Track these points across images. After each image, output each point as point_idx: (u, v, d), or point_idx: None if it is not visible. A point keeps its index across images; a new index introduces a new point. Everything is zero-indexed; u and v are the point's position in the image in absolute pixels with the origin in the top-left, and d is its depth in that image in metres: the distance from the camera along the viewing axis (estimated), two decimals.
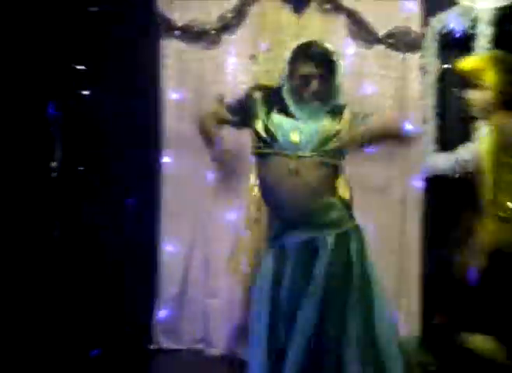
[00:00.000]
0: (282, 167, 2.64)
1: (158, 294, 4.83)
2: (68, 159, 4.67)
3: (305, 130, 2.67)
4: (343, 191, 3.41)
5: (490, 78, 3.37)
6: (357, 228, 2.80)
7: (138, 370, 4.42)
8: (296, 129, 2.67)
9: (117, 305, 4.64)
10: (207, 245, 4.79)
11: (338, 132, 2.73)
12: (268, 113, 2.74)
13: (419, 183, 4.72)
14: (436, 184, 4.67)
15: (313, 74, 2.64)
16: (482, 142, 3.48)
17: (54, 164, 4.63)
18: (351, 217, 2.83)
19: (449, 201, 4.66)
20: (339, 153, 2.78)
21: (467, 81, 3.42)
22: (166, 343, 4.80)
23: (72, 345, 4.35)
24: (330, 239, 2.65)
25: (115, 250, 4.74)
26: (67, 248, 4.62)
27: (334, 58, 2.71)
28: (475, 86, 3.39)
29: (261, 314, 2.72)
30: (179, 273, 4.81)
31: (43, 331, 4.30)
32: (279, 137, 2.68)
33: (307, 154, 2.64)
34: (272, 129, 2.69)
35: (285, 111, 2.75)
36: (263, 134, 2.72)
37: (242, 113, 2.94)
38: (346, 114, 2.80)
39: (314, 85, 2.64)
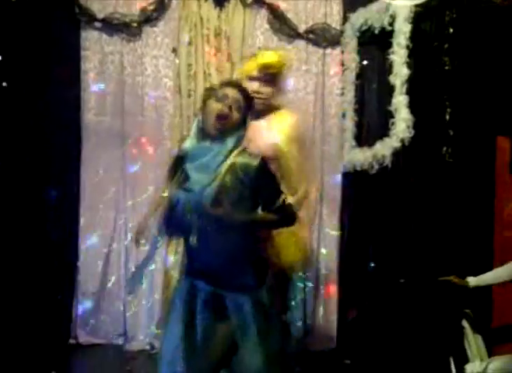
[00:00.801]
0: (188, 221, 2.64)
1: (77, 288, 4.78)
2: None
3: (195, 179, 2.61)
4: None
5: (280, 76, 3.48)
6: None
7: (57, 365, 4.35)
8: (195, 183, 2.61)
9: (36, 299, 4.59)
10: (127, 239, 4.75)
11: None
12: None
13: (337, 179, 4.77)
14: (354, 179, 4.71)
15: (221, 113, 2.61)
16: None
17: None
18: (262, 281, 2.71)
19: (367, 196, 4.73)
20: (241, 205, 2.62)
21: (260, 74, 3.40)
22: (85, 338, 4.75)
23: None
24: (245, 302, 2.64)
25: (34, 244, 4.67)
26: None
27: (243, 102, 2.67)
28: (267, 81, 3.40)
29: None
30: (99, 268, 4.77)
31: None
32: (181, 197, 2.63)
33: (206, 206, 2.55)
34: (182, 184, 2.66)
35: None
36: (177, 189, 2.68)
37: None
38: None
39: (221, 122, 2.61)
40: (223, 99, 2.60)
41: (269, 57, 3.42)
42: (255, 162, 2.57)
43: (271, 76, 3.41)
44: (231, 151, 2.59)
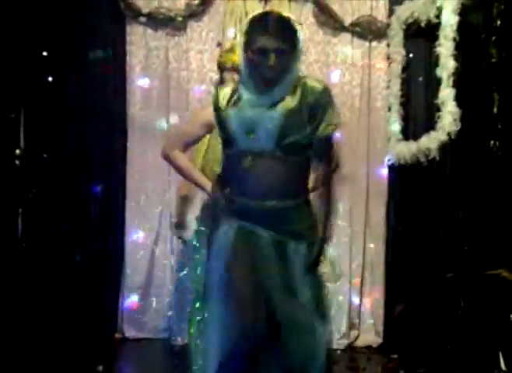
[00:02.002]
0: (241, 165, 2.39)
1: (123, 283, 4.81)
2: (32, 147, 4.63)
3: (263, 122, 2.35)
4: None
5: None
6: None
7: (103, 358, 4.36)
8: (254, 122, 2.36)
9: (83, 294, 4.61)
10: (172, 235, 4.74)
11: (300, 118, 2.37)
12: (226, 106, 2.45)
13: (383, 172, 4.75)
14: (401, 173, 4.69)
15: (272, 47, 2.29)
16: None
17: (18, 151, 4.58)
18: (313, 227, 2.51)
19: (413, 190, 4.71)
20: (304, 146, 2.42)
21: None
22: (130, 332, 4.78)
23: (38, 334, 4.32)
24: (301, 248, 2.43)
25: (80, 240, 4.71)
26: (30, 235, 4.58)
27: (294, 30, 2.35)
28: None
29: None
30: (145, 263, 4.80)
31: (6, 321, 4.26)
32: (236, 134, 2.40)
33: (268, 149, 2.36)
34: (229, 125, 2.42)
35: (242, 99, 2.43)
36: (220, 132, 2.48)
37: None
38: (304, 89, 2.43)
39: (272, 59, 2.28)
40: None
41: None
42: (321, 85, 2.42)
43: None
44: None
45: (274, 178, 2.38)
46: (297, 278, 2.40)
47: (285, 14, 2.42)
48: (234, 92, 2.47)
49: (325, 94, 2.41)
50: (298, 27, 2.38)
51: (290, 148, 2.37)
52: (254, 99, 2.39)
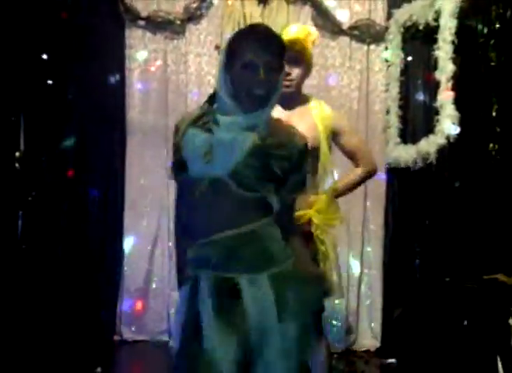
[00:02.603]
0: (192, 194, 2.09)
1: (122, 285, 4.83)
2: (32, 149, 4.65)
3: (223, 148, 2.06)
4: None
5: (308, 52, 3.00)
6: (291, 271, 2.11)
7: (101, 360, 4.39)
8: (212, 146, 2.06)
9: (81, 296, 4.63)
10: (171, 236, 4.77)
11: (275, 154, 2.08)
12: (186, 129, 2.14)
13: (381, 175, 4.75)
14: (399, 176, 4.68)
15: (260, 63, 2.05)
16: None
17: (18, 154, 4.61)
18: (285, 256, 2.13)
19: (411, 193, 4.70)
20: (268, 185, 2.10)
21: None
22: (129, 334, 4.80)
23: (37, 336, 4.34)
24: (261, 280, 2.06)
25: (79, 242, 4.73)
26: (30, 238, 4.60)
27: (283, 46, 2.13)
28: (294, 60, 2.92)
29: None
30: (143, 265, 4.82)
31: (5, 322, 4.28)
32: (190, 156, 2.10)
33: (224, 177, 2.05)
34: (185, 147, 2.11)
35: (209, 123, 2.12)
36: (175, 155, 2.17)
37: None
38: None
39: (262, 75, 2.04)
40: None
41: (295, 33, 2.92)
42: (302, 142, 2.15)
43: (298, 54, 2.93)
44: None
45: (230, 207, 2.07)
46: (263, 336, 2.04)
47: (273, 31, 2.15)
48: (203, 113, 2.16)
49: (302, 156, 2.16)
50: (285, 44, 2.18)
51: (246, 183, 2.06)
52: (232, 120, 2.09)
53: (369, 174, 3.17)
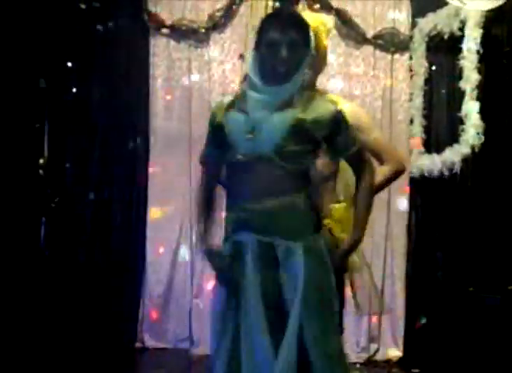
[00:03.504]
0: (239, 169, 2.27)
1: (144, 293, 4.84)
2: (56, 156, 4.68)
3: (265, 126, 2.22)
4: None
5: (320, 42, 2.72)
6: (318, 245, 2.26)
7: (122, 368, 4.42)
8: (254, 125, 2.23)
9: (103, 302, 4.64)
10: (193, 244, 4.79)
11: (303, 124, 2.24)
12: (226, 114, 2.31)
13: (405, 185, 4.73)
14: (422, 185, 4.66)
15: (281, 41, 2.20)
16: None
17: (41, 161, 4.64)
18: (316, 227, 2.30)
19: (435, 203, 4.67)
20: (309, 156, 2.29)
21: None
22: (150, 342, 4.79)
23: (59, 343, 4.36)
24: (293, 251, 2.20)
25: (102, 249, 4.75)
26: (53, 244, 4.63)
27: (306, 26, 2.26)
28: None
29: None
30: (165, 273, 4.82)
31: (28, 329, 4.30)
32: (235, 137, 2.27)
33: (269, 155, 2.21)
34: (232, 134, 2.28)
35: (244, 105, 2.28)
36: (219, 134, 2.31)
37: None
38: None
39: (283, 52, 2.19)
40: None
41: (310, 20, 2.55)
42: (335, 108, 2.28)
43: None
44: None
45: (273, 178, 2.22)
46: (293, 293, 2.16)
47: (296, 12, 2.35)
48: (236, 97, 2.34)
49: (339, 118, 2.28)
50: (310, 24, 2.28)
51: (289, 157, 2.22)
52: (262, 97, 2.24)
53: (397, 173, 2.79)
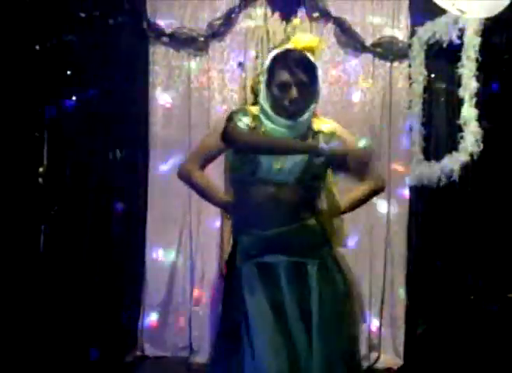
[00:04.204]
0: (261, 194, 2.46)
1: (143, 301, 4.82)
2: (55, 164, 4.68)
3: (288, 158, 2.45)
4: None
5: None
6: (334, 259, 2.55)
7: None
8: (280, 156, 2.45)
9: (103, 311, 4.63)
10: (192, 252, 4.80)
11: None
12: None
13: (404, 193, 4.74)
14: (422, 193, 4.67)
15: (294, 81, 2.43)
16: None
17: (41, 169, 4.64)
18: (327, 245, 2.57)
19: (434, 210, 4.67)
20: (324, 174, 2.55)
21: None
22: (150, 350, 4.78)
23: (58, 351, 4.34)
24: (313, 268, 2.46)
25: (101, 257, 4.73)
26: (52, 252, 4.62)
27: (313, 66, 2.49)
28: None
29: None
30: (164, 281, 4.81)
31: (27, 336, 4.29)
32: (262, 165, 2.45)
33: (291, 180, 2.45)
34: (257, 156, 2.45)
35: (266, 130, 2.50)
36: (244, 160, 2.48)
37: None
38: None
39: (294, 92, 2.42)
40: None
41: (308, 41, 2.66)
42: (332, 126, 2.59)
43: None
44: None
45: (293, 203, 2.46)
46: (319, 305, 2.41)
47: (305, 53, 2.51)
48: (254, 120, 2.53)
49: (338, 133, 2.58)
50: (317, 63, 2.52)
51: (309, 182, 2.49)
52: (281, 131, 2.47)
53: (377, 190, 2.80)
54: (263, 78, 2.55)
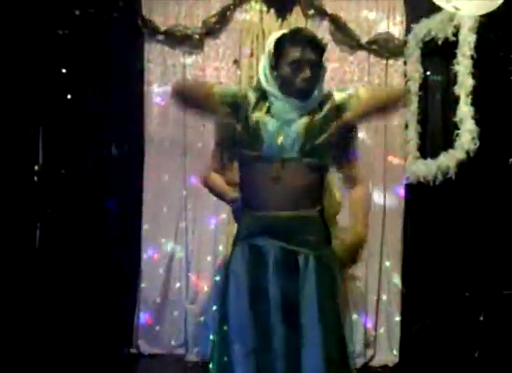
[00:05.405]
0: (265, 173, 2.42)
1: (139, 298, 4.82)
2: (51, 162, 4.68)
3: (291, 131, 2.42)
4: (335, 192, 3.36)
5: None
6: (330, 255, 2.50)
7: None
8: (281, 130, 2.42)
9: (98, 308, 4.64)
10: (188, 250, 4.80)
11: (325, 124, 2.46)
12: (253, 113, 2.48)
13: (400, 190, 4.73)
14: (418, 191, 4.66)
15: (306, 59, 2.41)
16: None
17: (36, 167, 4.64)
18: (328, 240, 2.54)
19: (430, 208, 4.67)
20: (327, 151, 2.49)
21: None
22: (146, 348, 4.77)
23: (53, 349, 4.35)
24: (311, 260, 2.40)
25: (97, 254, 4.73)
26: (48, 250, 4.63)
27: (323, 44, 2.49)
28: None
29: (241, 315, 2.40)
30: (160, 279, 4.80)
31: (23, 334, 4.30)
32: (265, 140, 2.43)
33: (293, 155, 2.42)
34: (259, 131, 2.44)
35: (268, 111, 2.48)
36: (247, 136, 2.46)
37: (233, 107, 2.54)
38: (331, 102, 2.51)
39: (307, 71, 2.40)
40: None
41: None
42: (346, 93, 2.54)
43: None
44: None
45: (296, 187, 2.42)
46: (309, 299, 2.36)
47: (313, 33, 2.54)
48: (260, 98, 2.50)
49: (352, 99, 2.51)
50: (325, 42, 2.53)
51: (312, 154, 2.44)
52: (289, 110, 2.45)
53: (367, 193, 2.73)
54: (265, 63, 2.53)
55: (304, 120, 2.44)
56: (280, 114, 2.45)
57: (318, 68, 2.45)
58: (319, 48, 2.45)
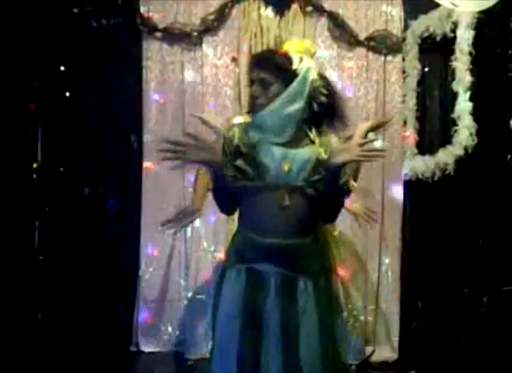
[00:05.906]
0: (270, 201, 2.39)
1: (138, 296, 4.82)
2: (49, 160, 4.68)
3: (296, 158, 2.40)
4: None
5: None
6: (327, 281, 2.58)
7: (118, 372, 4.42)
8: (287, 157, 2.40)
9: (98, 307, 4.64)
10: (187, 248, 4.80)
11: (322, 158, 2.42)
12: (252, 143, 2.44)
13: (399, 186, 4.74)
14: (416, 187, 4.67)
15: (254, 78, 2.44)
16: None
17: (35, 165, 4.64)
18: (323, 267, 2.58)
19: (429, 204, 4.68)
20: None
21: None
22: (145, 346, 4.78)
23: (54, 347, 4.36)
24: (310, 286, 2.43)
25: (96, 253, 4.74)
26: (47, 248, 4.63)
27: (280, 63, 2.42)
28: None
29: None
30: (159, 277, 4.81)
31: (23, 333, 4.30)
32: (271, 168, 2.40)
33: (299, 184, 2.40)
34: (263, 159, 2.40)
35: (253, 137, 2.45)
36: (248, 167, 2.41)
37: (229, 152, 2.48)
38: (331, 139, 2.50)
39: (253, 88, 2.44)
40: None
41: (300, 46, 2.57)
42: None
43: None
44: None
45: (298, 214, 2.41)
46: (307, 323, 2.40)
47: (278, 53, 2.48)
48: (243, 130, 2.48)
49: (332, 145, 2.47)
50: (287, 60, 2.42)
51: (317, 184, 2.41)
52: (256, 132, 2.43)
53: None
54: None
55: (304, 151, 2.41)
56: (266, 144, 2.41)
57: (270, 87, 2.39)
58: (273, 66, 2.40)
